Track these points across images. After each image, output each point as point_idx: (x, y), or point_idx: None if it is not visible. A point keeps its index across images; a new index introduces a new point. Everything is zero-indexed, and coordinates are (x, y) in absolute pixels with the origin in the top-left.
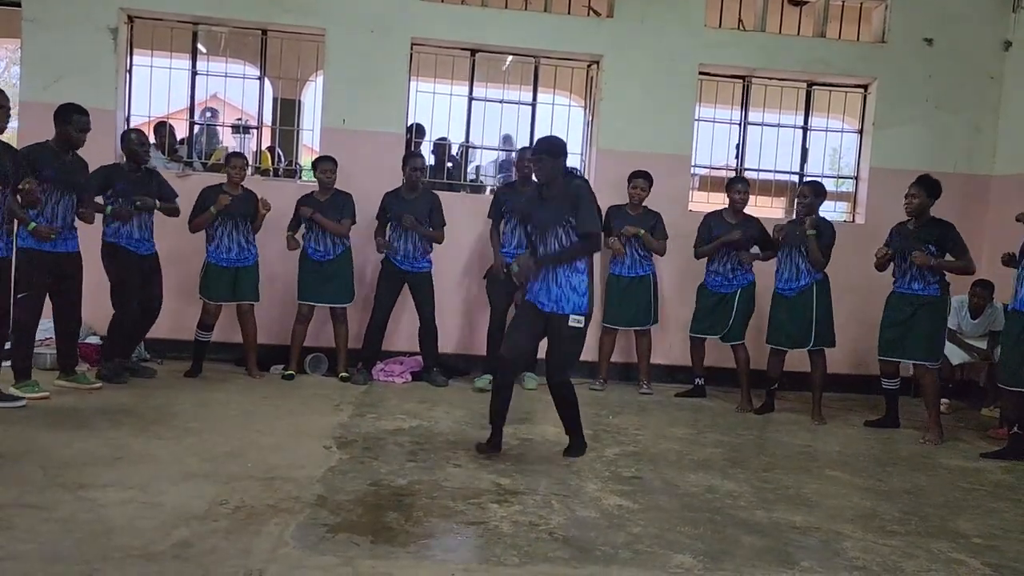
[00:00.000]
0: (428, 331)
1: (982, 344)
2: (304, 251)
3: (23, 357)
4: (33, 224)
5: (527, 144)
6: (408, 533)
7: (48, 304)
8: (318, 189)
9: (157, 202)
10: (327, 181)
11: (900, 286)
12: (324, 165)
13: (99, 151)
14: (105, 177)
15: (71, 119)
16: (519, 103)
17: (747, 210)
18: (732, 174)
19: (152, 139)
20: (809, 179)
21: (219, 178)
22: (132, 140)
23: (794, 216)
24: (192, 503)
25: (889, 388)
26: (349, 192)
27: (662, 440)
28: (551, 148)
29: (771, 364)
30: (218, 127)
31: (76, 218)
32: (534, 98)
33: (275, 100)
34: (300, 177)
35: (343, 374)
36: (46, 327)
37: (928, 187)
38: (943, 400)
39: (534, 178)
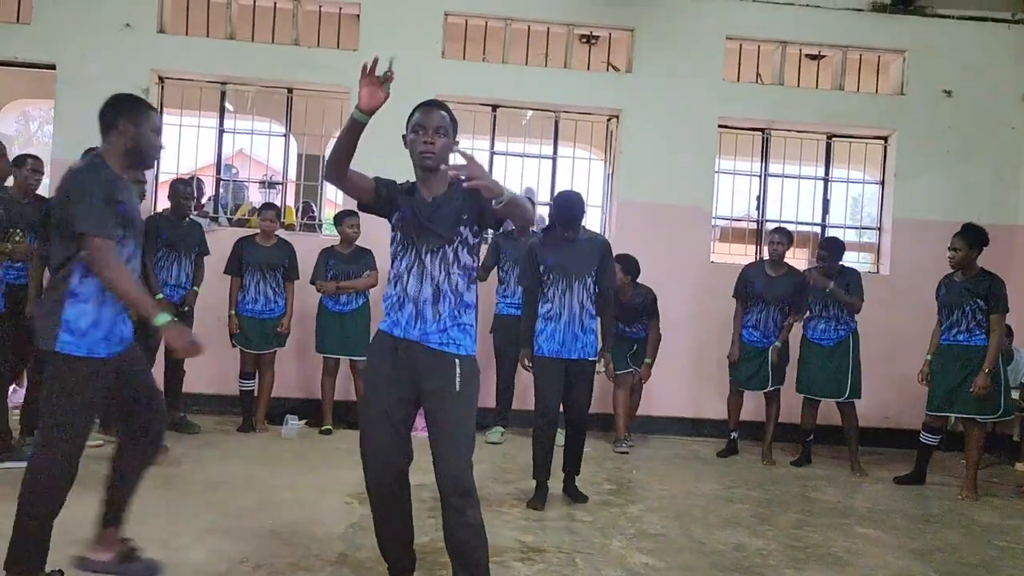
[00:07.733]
0: None
1: (1015, 395)
2: (322, 303)
3: None
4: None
5: (547, 197)
6: None
7: None
8: (340, 242)
9: (195, 293)
10: (353, 235)
11: (946, 338)
12: (351, 220)
13: None
14: (153, 226)
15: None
16: (540, 156)
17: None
18: (753, 225)
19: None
20: (827, 236)
21: (244, 232)
22: (179, 191)
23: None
24: (213, 560)
25: (928, 443)
26: (368, 248)
27: (688, 496)
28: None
29: (805, 415)
30: (244, 183)
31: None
32: (555, 151)
33: (300, 156)
34: (322, 230)
35: None
36: None
37: (970, 238)
38: None
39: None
